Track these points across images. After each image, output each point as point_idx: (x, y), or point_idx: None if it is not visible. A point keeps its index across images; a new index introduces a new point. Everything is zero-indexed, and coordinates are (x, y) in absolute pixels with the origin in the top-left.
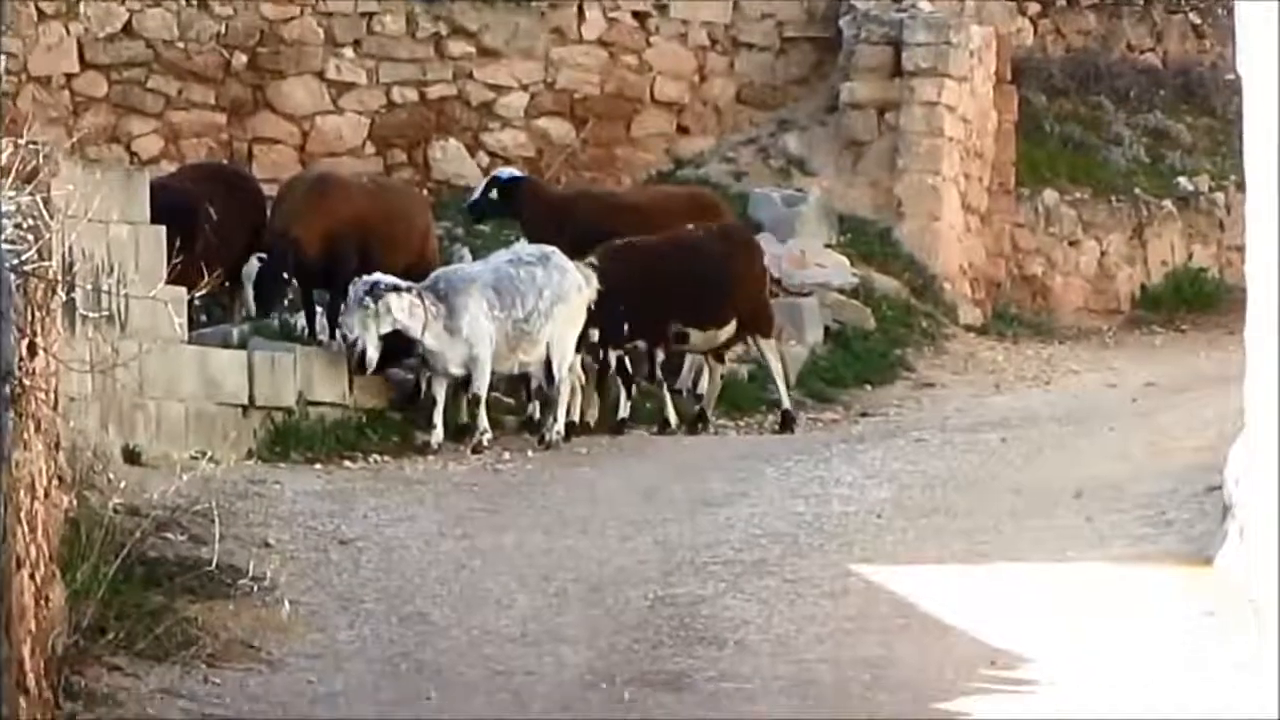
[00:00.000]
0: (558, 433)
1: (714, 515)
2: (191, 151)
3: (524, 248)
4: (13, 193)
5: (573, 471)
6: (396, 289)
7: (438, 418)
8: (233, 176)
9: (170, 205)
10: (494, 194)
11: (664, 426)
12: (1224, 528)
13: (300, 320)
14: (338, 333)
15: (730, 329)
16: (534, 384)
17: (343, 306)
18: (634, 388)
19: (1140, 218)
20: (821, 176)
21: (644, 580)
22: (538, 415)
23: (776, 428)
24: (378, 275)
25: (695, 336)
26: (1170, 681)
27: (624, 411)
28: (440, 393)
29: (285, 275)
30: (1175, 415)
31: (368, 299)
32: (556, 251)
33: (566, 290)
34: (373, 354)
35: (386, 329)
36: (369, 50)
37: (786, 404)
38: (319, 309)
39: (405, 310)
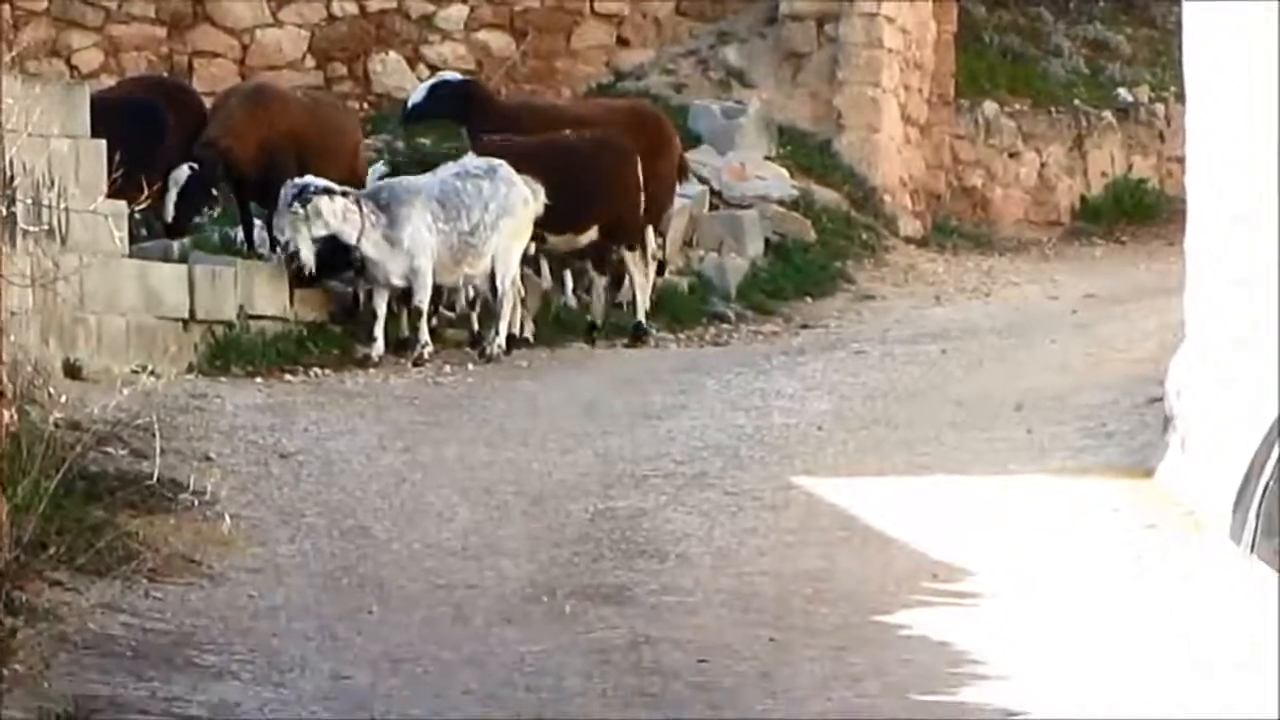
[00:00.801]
0: (499, 345)
1: (654, 428)
2: (131, 65)
3: (471, 160)
4: None
5: (513, 384)
6: (329, 191)
7: (378, 330)
8: (173, 89)
9: (113, 117)
10: (440, 96)
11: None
12: (1165, 439)
13: (240, 233)
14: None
15: (590, 235)
16: (471, 295)
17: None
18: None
19: (1080, 129)
20: (761, 89)
21: (585, 493)
22: (477, 327)
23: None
24: (308, 178)
25: (552, 239)
26: (1112, 594)
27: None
28: (381, 305)
29: (213, 187)
30: (1115, 327)
31: (296, 203)
32: (504, 164)
33: (513, 203)
34: (306, 256)
35: (320, 232)
36: None
37: (640, 318)
38: (257, 222)
39: (339, 215)
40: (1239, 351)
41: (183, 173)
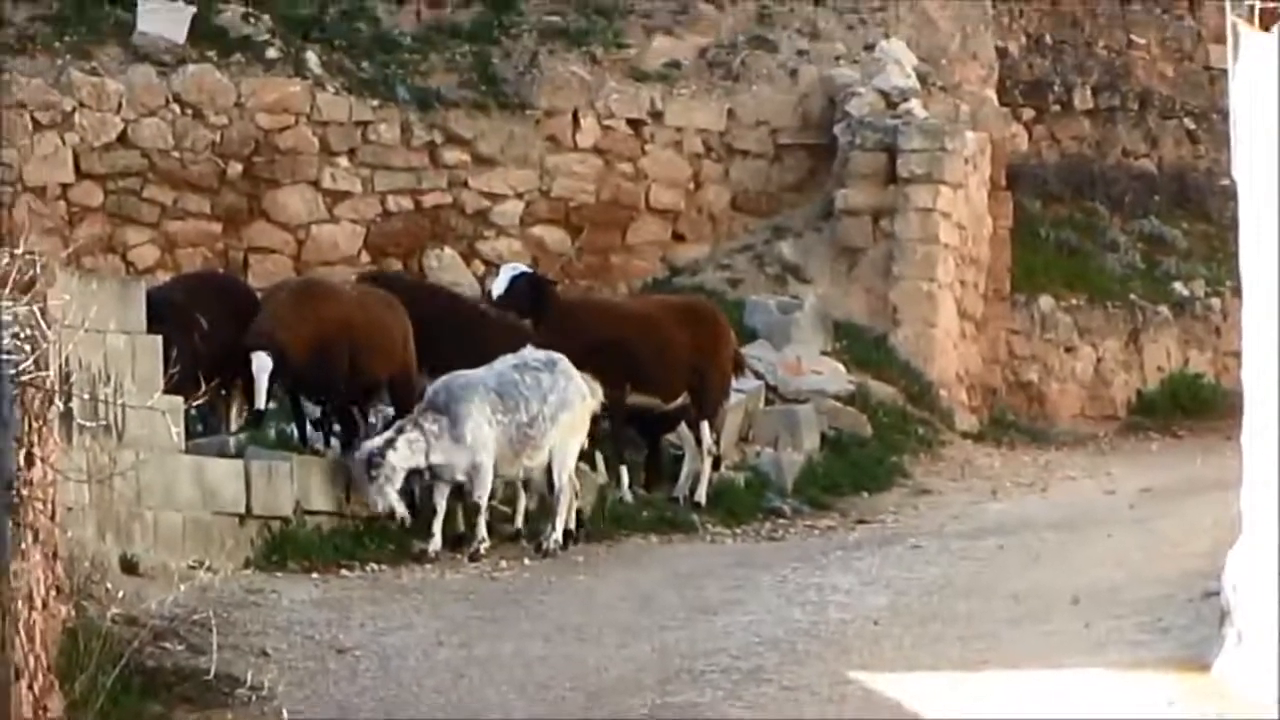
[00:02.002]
0: (555, 540)
1: (710, 623)
2: (187, 261)
3: (531, 353)
4: (9, 303)
5: (569, 579)
6: (390, 443)
7: (437, 526)
8: (226, 284)
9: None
10: (516, 288)
11: None
12: (1222, 633)
13: (294, 429)
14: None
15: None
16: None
17: (378, 500)
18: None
19: (1136, 323)
20: (817, 283)
21: (641, 688)
22: (520, 522)
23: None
24: (367, 445)
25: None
26: None
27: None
28: (441, 501)
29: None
30: (1172, 521)
31: (370, 472)
32: (563, 358)
33: (571, 397)
34: (401, 511)
35: (400, 481)
36: (364, 159)
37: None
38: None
39: (408, 454)
40: None
41: (266, 360)
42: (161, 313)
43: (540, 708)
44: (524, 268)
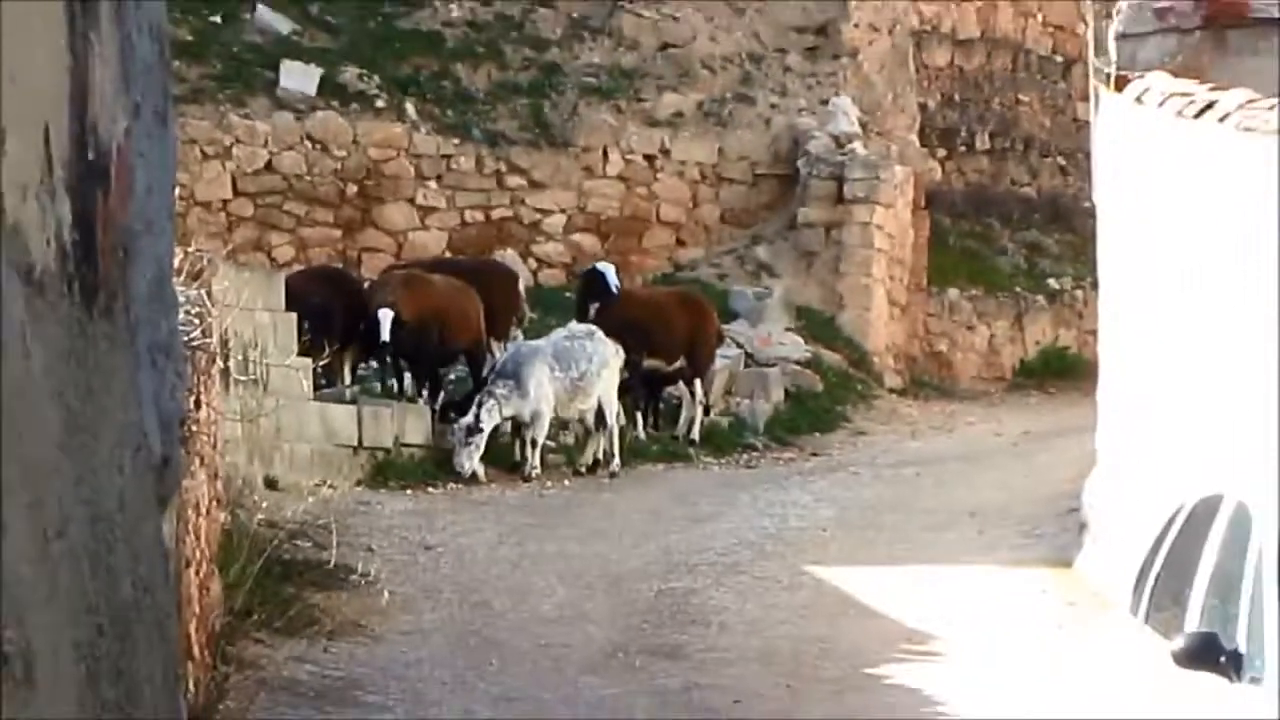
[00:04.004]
0: (616, 463)
1: (702, 529)
2: (315, 258)
3: (575, 326)
4: (183, 288)
5: (598, 497)
6: (477, 418)
7: (532, 454)
8: (341, 276)
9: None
10: (591, 278)
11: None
12: (1081, 539)
13: (393, 382)
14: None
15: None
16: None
17: (453, 441)
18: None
19: (1020, 309)
20: (783, 278)
21: (650, 577)
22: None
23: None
24: (465, 420)
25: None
26: (1040, 653)
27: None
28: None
29: (383, 346)
30: (1045, 456)
31: (465, 439)
32: (598, 330)
33: (609, 358)
34: (481, 474)
35: (484, 446)
36: (448, 183)
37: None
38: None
39: (489, 419)
40: (1136, 474)
41: (388, 313)
42: (295, 296)
43: (575, 590)
44: (606, 265)
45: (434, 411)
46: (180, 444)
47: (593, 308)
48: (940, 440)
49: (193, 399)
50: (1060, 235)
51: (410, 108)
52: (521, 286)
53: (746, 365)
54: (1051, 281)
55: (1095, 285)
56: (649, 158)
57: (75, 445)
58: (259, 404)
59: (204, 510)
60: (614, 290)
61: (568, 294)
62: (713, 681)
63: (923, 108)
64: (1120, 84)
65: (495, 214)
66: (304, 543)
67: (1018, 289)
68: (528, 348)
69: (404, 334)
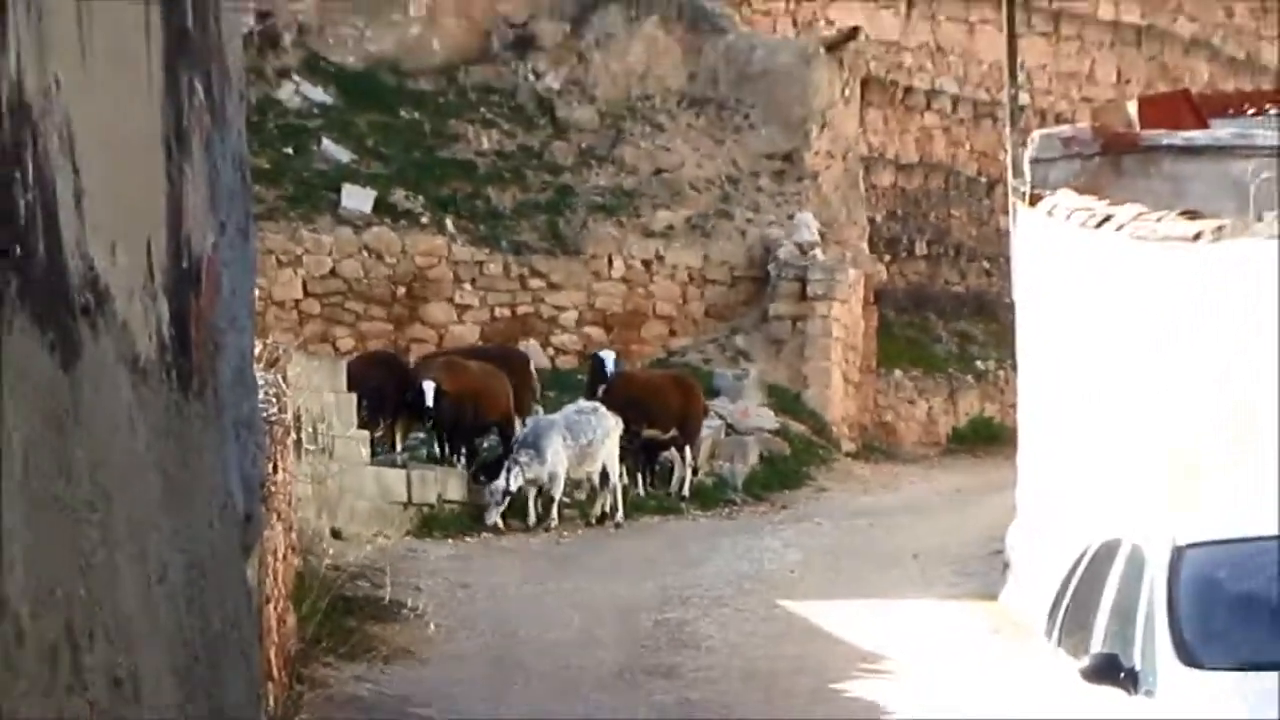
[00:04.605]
0: (620, 515)
1: (692, 570)
2: (371, 347)
3: (583, 403)
4: (262, 374)
5: (606, 543)
6: (507, 482)
7: (497, 513)
8: (393, 361)
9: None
10: (595, 365)
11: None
12: (1005, 577)
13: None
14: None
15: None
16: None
17: (485, 499)
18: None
19: (952, 387)
20: (757, 361)
21: (649, 609)
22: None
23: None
24: (496, 483)
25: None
26: (972, 670)
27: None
28: (533, 495)
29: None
30: (975, 508)
31: (492, 499)
32: (601, 406)
33: (610, 428)
34: (499, 525)
35: (506, 503)
36: (480, 285)
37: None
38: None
39: (516, 481)
40: (1049, 522)
41: (430, 385)
42: (354, 378)
43: (588, 620)
44: (608, 353)
45: (470, 474)
46: (260, 502)
47: (600, 388)
48: (888, 496)
49: (270, 465)
50: (986, 325)
51: (449, 223)
52: (533, 367)
53: (727, 434)
54: (979, 364)
55: (1015, 367)
56: (646, 263)
57: (174, 505)
58: (325, 468)
59: (280, 556)
60: (608, 373)
61: (580, 376)
62: (702, 697)
63: (871, 221)
64: (1034, 200)
65: (520, 310)
66: (363, 583)
67: (951, 370)
68: (545, 421)
69: (444, 408)
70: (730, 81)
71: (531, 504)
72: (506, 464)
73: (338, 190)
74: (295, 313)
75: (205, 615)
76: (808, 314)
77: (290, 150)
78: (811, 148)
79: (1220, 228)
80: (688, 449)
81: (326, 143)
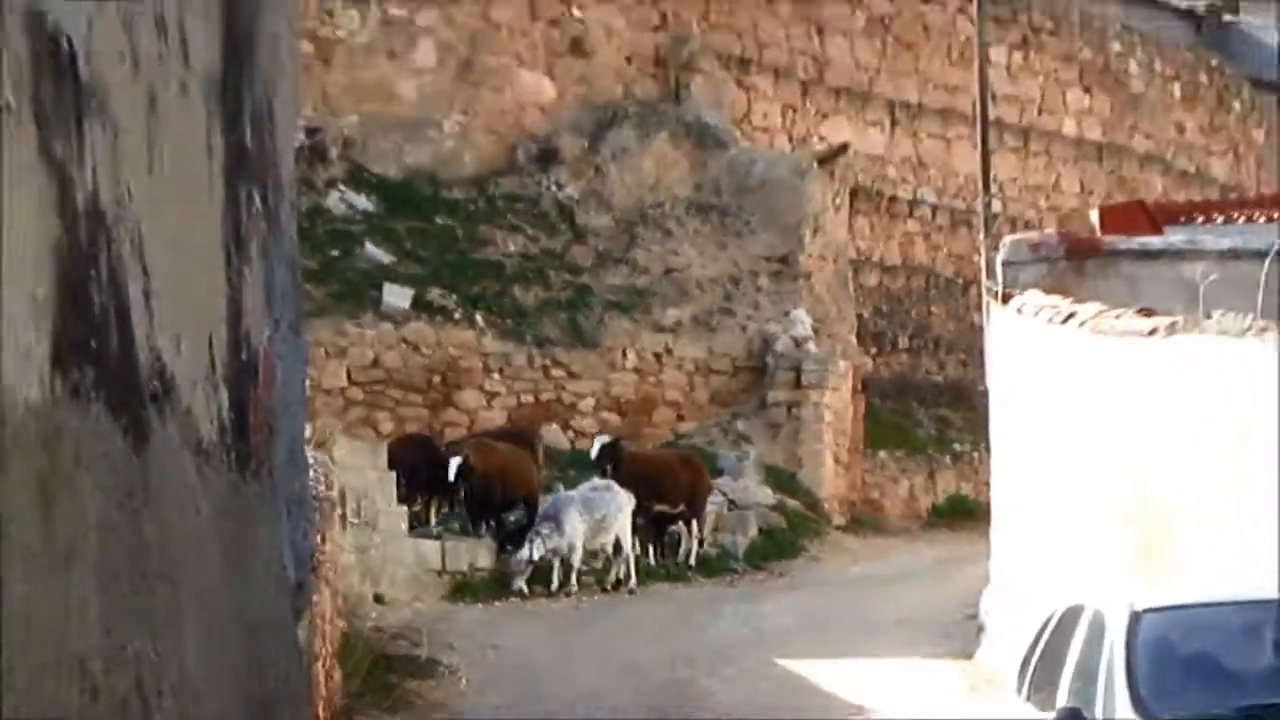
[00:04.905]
0: (634, 582)
1: (698, 632)
2: (409, 430)
3: (598, 481)
4: (312, 454)
5: (620, 608)
6: (529, 553)
7: (522, 580)
8: (428, 443)
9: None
10: (604, 448)
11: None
12: (980, 638)
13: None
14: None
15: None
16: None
17: (516, 567)
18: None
19: (932, 467)
20: (757, 444)
21: (659, 666)
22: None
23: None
24: (520, 553)
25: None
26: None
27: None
28: (555, 564)
29: (457, 491)
30: (953, 576)
31: (524, 566)
32: (614, 484)
33: (623, 503)
34: (524, 590)
35: (530, 571)
36: (507, 374)
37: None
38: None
39: (538, 552)
40: (1020, 589)
41: (457, 460)
42: (394, 458)
43: (605, 674)
44: (607, 438)
45: (498, 545)
46: (310, 571)
47: (609, 468)
48: (875, 565)
49: (319, 537)
50: (962, 412)
51: (479, 318)
52: (541, 446)
53: (729, 509)
54: (956, 446)
55: (989, 449)
56: (656, 355)
57: (233, 573)
58: (368, 539)
59: (328, 619)
60: (598, 453)
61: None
62: None
63: (859, 317)
64: (1006, 299)
65: (542, 397)
66: (402, 643)
67: (930, 452)
68: (564, 497)
69: (473, 483)
70: (732, 191)
71: (555, 572)
72: (529, 536)
73: (379, 289)
74: (341, 399)
75: (261, 673)
76: (802, 401)
77: (337, 253)
78: (805, 251)
79: (1173, 324)
80: (694, 522)
81: (369, 246)
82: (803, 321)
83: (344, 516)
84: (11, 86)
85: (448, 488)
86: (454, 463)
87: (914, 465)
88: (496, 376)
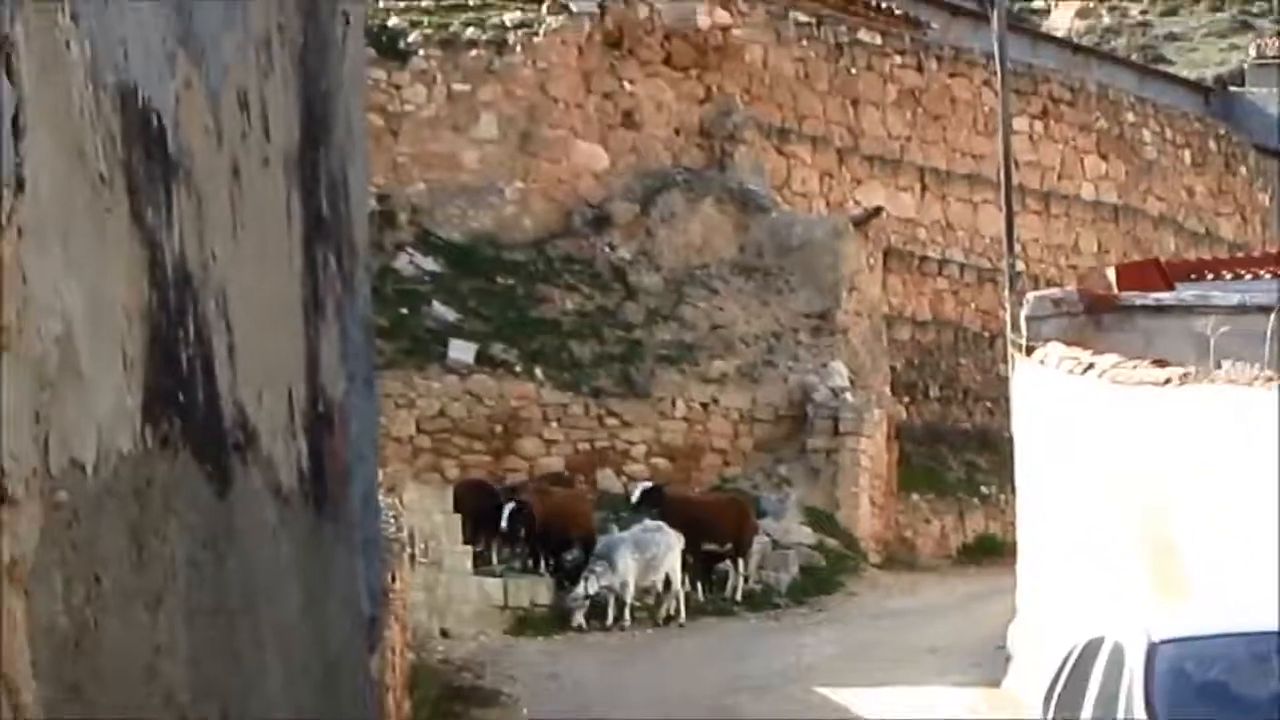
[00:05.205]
0: (683, 617)
1: (743, 662)
2: (473, 473)
3: (648, 523)
4: (384, 499)
5: (669, 640)
6: (585, 589)
7: (580, 614)
8: (488, 488)
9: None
10: (647, 492)
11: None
12: (1007, 668)
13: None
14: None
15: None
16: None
17: (573, 603)
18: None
19: (961, 508)
20: (798, 487)
21: (707, 695)
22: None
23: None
24: (577, 590)
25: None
26: None
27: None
28: (609, 600)
29: (518, 532)
30: (981, 610)
31: (580, 601)
32: (664, 525)
33: (672, 543)
34: (582, 624)
35: (587, 607)
36: (565, 424)
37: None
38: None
39: (593, 589)
40: (1044, 622)
41: (512, 505)
42: (459, 502)
43: (655, 702)
44: (649, 484)
45: (556, 582)
46: (382, 607)
47: (654, 510)
48: (908, 600)
49: (390, 576)
50: (989, 456)
51: (538, 371)
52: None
53: (773, 548)
54: (984, 489)
55: (1014, 490)
56: (704, 405)
57: (311, 610)
58: (435, 578)
59: (398, 652)
60: (639, 498)
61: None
62: None
63: (893, 368)
64: (1029, 351)
65: (597, 444)
66: (467, 674)
67: (960, 494)
68: (616, 538)
69: (534, 527)
70: (774, 252)
71: (610, 607)
72: (584, 574)
73: (445, 344)
74: (410, 447)
75: (337, 702)
76: (840, 447)
77: (406, 311)
78: (842, 308)
79: (1185, 374)
80: (740, 560)
81: (436, 304)
82: (840, 373)
83: (413, 556)
84: (105, 159)
85: (509, 528)
86: (506, 509)
87: (944, 506)
88: (555, 425)
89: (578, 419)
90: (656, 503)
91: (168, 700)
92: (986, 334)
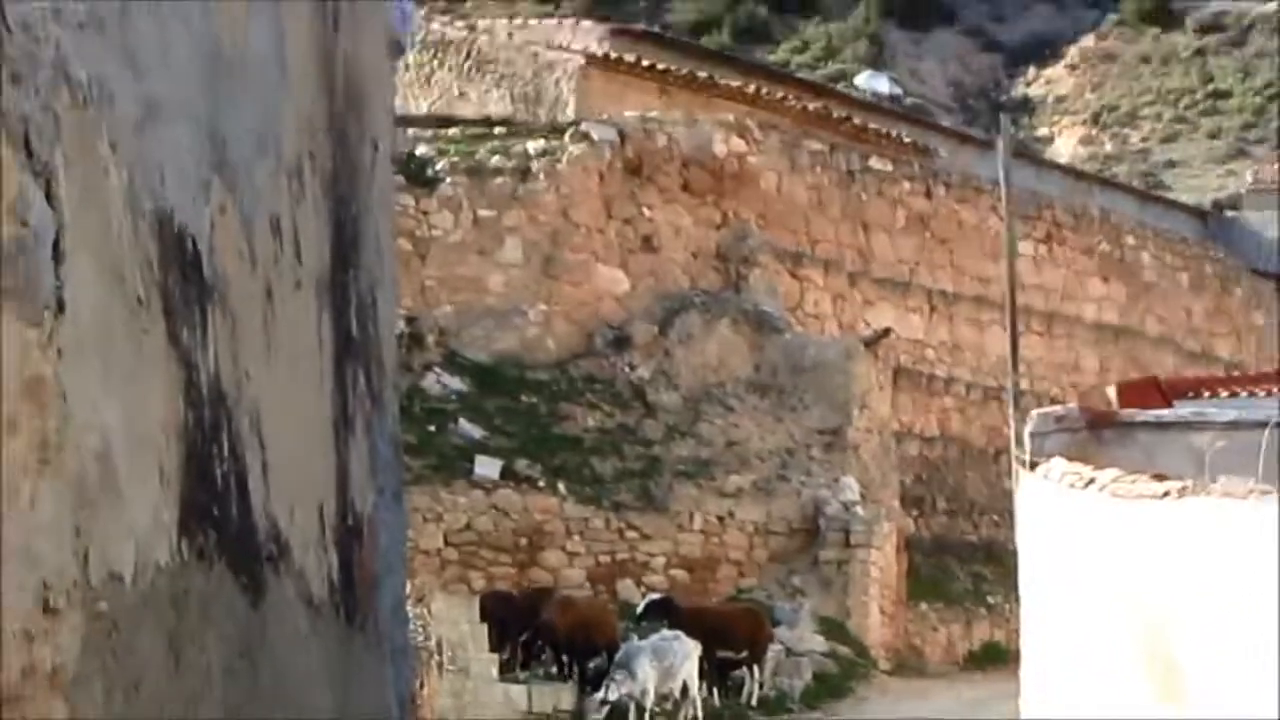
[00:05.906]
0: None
1: None
2: (499, 587)
3: (666, 632)
4: (412, 609)
5: None
6: (605, 696)
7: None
8: (510, 598)
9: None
10: (653, 604)
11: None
12: None
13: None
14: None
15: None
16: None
17: (591, 709)
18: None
19: (968, 617)
20: (810, 597)
21: None
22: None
23: None
24: (598, 695)
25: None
26: None
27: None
28: (630, 707)
29: (541, 644)
30: (988, 714)
31: (598, 706)
32: (681, 634)
33: (690, 651)
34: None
35: (606, 712)
36: (587, 536)
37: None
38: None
39: (614, 695)
40: None
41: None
42: (485, 612)
43: None
44: (656, 596)
45: (580, 689)
46: (411, 713)
47: (666, 620)
48: (917, 705)
49: (419, 683)
50: (995, 568)
51: (561, 486)
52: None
53: (786, 655)
54: (989, 598)
55: (1019, 600)
56: (720, 518)
57: (342, 716)
58: (462, 685)
59: None
60: (643, 610)
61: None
62: None
63: (902, 483)
64: (1033, 466)
65: (618, 556)
66: None
67: (966, 604)
68: (635, 646)
69: (559, 638)
70: (787, 372)
71: (630, 714)
72: (605, 681)
73: (471, 461)
74: (438, 559)
75: None
76: (851, 558)
77: (433, 428)
78: (853, 425)
79: (1183, 488)
80: (756, 667)
81: (462, 422)
82: (851, 487)
83: (440, 664)
84: (143, 282)
85: (534, 636)
86: (529, 633)
87: (952, 615)
88: (577, 538)
89: (599, 532)
90: (664, 614)
91: None
92: (991, 450)
